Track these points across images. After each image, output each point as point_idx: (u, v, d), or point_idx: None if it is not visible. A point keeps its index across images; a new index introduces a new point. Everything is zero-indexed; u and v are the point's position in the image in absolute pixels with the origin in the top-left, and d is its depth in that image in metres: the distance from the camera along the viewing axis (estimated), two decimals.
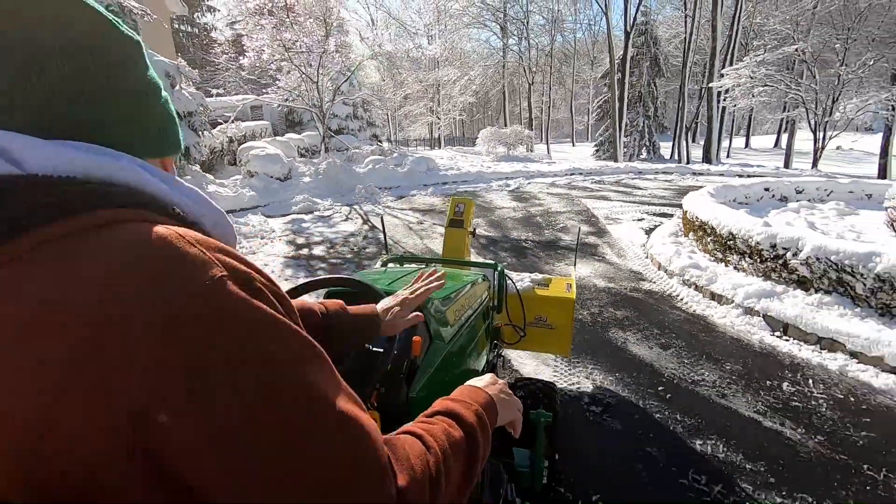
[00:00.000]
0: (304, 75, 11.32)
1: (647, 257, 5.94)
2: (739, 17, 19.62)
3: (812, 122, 14.32)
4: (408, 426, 0.63)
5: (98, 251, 0.43)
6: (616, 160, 20.92)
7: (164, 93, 0.59)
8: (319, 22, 10.98)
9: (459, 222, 3.22)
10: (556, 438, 2.36)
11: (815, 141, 15.03)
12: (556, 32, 32.59)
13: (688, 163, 20.07)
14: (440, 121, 25.66)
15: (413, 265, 2.53)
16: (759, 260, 4.47)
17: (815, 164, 15.60)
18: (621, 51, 21.47)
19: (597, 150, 27.11)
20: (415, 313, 1.12)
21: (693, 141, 28.47)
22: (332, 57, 11.12)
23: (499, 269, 2.44)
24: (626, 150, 25.44)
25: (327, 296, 1.53)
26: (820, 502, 2.29)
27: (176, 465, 0.40)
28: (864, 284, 3.67)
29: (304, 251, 6.59)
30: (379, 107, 19.92)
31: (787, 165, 18.01)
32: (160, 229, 0.46)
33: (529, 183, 11.86)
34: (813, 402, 3.08)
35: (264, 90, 17.98)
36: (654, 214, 8.35)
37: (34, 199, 0.44)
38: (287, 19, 10.98)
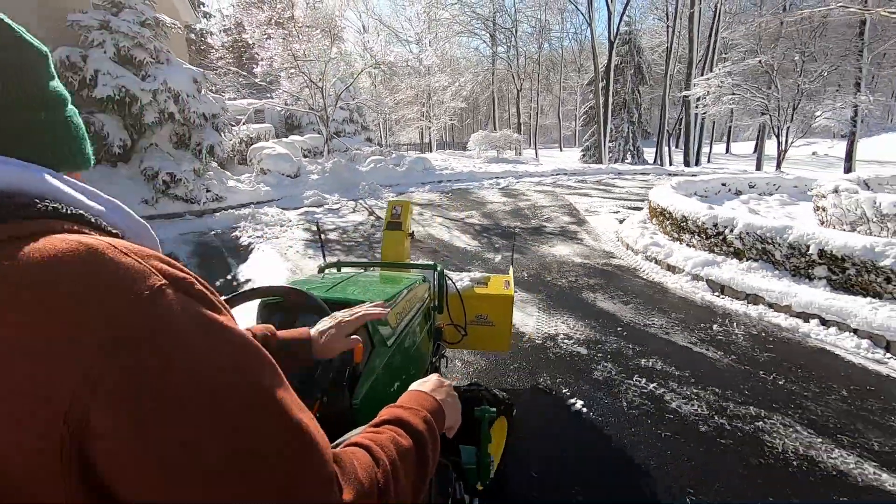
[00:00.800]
0: (309, 82, 12.22)
1: (618, 240, 6.91)
2: (717, 28, 20.93)
3: (776, 128, 15.58)
4: (356, 437, 0.63)
5: (26, 263, 0.41)
6: (601, 164, 22.04)
7: (70, 106, 0.58)
8: (325, 32, 11.90)
9: (398, 224, 3.20)
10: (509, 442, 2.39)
11: (779, 145, 16.31)
12: (543, 41, 33.84)
13: (670, 165, 21.27)
14: (432, 125, 26.69)
15: (351, 270, 2.45)
16: (704, 237, 5.45)
17: (778, 166, 16.84)
18: (606, 59, 22.64)
19: (583, 155, 28.26)
20: (353, 337, 1.10)
21: (676, 146, 29.78)
22: (336, 64, 12.03)
23: (438, 269, 2.45)
24: (611, 154, 26.64)
25: (263, 307, 1.51)
26: (724, 393, 3.23)
27: (112, 476, 0.39)
28: (781, 252, 4.66)
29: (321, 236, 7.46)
30: (373, 110, 20.83)
31: (758, 168, 19.27)
32: (89, 240, 0.44)
33: (518, 182, 12.85)
34: (733, 337, 4.04)
35: (266, 94, 18.77)
36: (629, 208, 9.35)
37: None
38: (295, 31, 11.88)
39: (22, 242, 0.43)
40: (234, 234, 7.57)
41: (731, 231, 5.08)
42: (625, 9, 22.92)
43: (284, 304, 1.50)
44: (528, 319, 4.38)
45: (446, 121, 29.88)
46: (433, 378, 0.84)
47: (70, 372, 0.38)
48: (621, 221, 7.82)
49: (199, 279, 0.49)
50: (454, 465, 1.39)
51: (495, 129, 24.88)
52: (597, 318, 4.39)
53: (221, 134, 9.18)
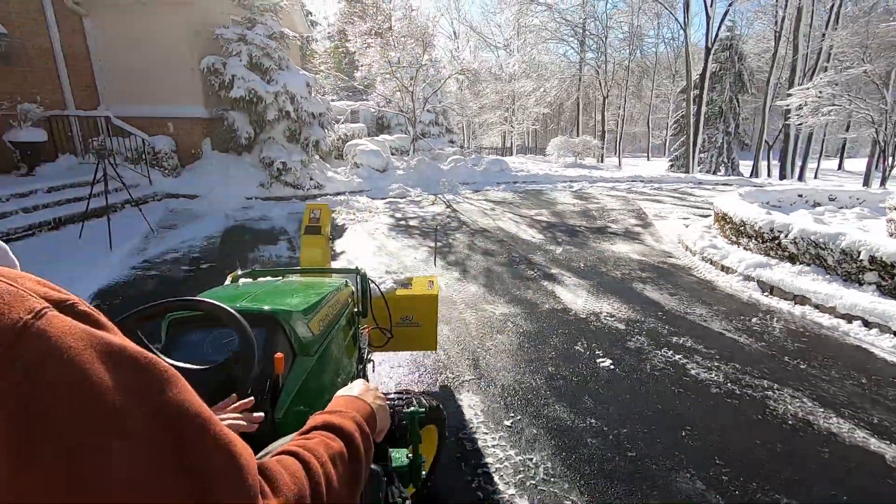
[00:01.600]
0: (401, 86, 13.45)
1: (678, 242, 7.19)
2: (826, 36, 19.52)
3: (882, 142, 14.34)
4: (284, 445, 0.61)
5: None
6: (687, 174, 21.37)
7: None
8: (418, 41, 13.07)
9: (316, 228, 3.13)
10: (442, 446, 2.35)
11: (884, 160, 14.93)
12: (634, 47, 33.11)
13: (768, 177, 20.15)
14: (514, 129, 27.30)
15: (268, 278, 2.35)
16: (760, 241, 5.68)
17: (883, 182, 15.42)
18: (701, 66, 21.91)
19: (671, 165, 27.36)
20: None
21: (777, 160, 27.87)
22: (426, 70, 13.14)
23: (361, 273, 2.41)
24: (701, 165, 25.57)
25: (171, 324, 1.45)
26: (743, 368, 3.65)
27: None
28: (833, 257, 4.84)
29: (403, 222, 8.46)
30: (458, 114, 21.86)
31: (865, 185, 17.73)
32: None
33: (592, 186, 13.15)
34: (769, 329, 4.36)
35: (361, 97, 20.48)
36: (699, 215, 9.43)
37: None
38: (392, 40, 13.17)
39: None
40: (331, 215, 8.82)
41: (786, 236, 5.29)
42: (725, 13, 22.04)
43: (196, 320, 1.44)
44: (577, 300, 4.97)
45: (528, 126, 30.33)
46: (359, 383, 0.83)
47: None
48: (687, 226, 8.03)
49: (80, 299, 0.45)
50: (384, 470, 1.32)
51: (577, 135, 24.96)
52: (641, 303, 4.88)
53: (325, 130, 10.56)
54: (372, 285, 2.51)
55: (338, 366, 1.86)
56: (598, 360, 3.74)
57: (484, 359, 3.74)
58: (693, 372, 3.59)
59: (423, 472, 1.75)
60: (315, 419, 0.69)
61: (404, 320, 2.88)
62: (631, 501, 2.37)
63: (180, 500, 0.40)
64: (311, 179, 9.99)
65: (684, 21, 22.54)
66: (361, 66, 13.67)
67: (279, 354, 1.29)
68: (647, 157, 40.57)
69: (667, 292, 5.22)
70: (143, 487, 0.38)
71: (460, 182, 12.21)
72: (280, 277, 2.44)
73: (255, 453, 0.54)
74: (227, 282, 2.29)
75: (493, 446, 2.76)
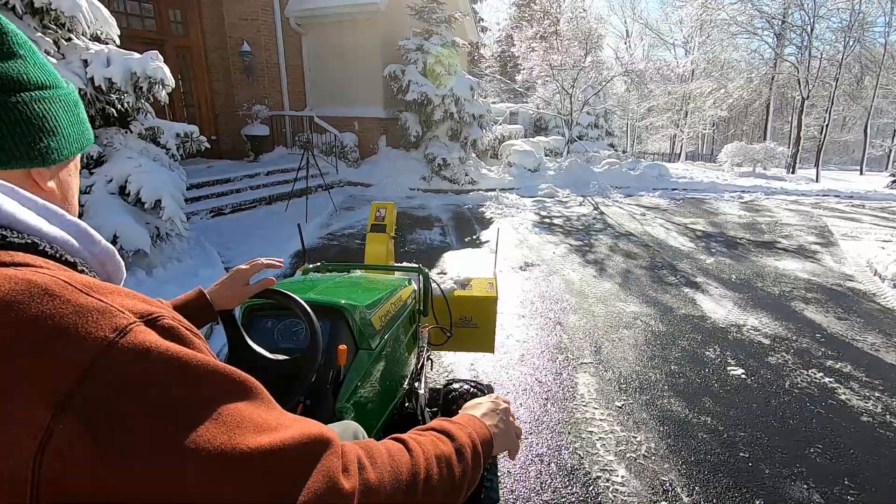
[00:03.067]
0: (560, 88, 13.63)
1: (866, 266, 6.20)
2: None
3: None
4: (397, 434, 0.64)
5: None
6: None
7: (30, 93, 0.51)
8: (582, 43, 13.09)
9: (381, 227, 3.19)
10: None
11: None
12: (853, 38, 27.65)
13: None
14: (683, 134, 25.15)
15: (335, 273, 2.43)
16: None
17: None
18: None
19: (893, 182, 22.36)
20: (267, 278, 1.14)
21: None
22: (587, 73, 13.11)
23: (424, 272, 2.43)
24: None
25: (247, 311, 1.54)
26: None
27: None
28: None
29: (547, 220, 8.76)
30: (620, 117, 21.04)
31: None
32: (39, 278, 0.41)
33: (767, 198, 11.67)
34: None
35: (521, 99, 21.04)
36: None
37: None
38: (556, 44, 13.41)
39: None
40: (481, 209, 9.51)
41: None
42: None
43: (269, 308, 1.53)
44: (719, 309, 4.77)
45: (701, 130, 27.60)
46: (487, 401, 0.81)
47: (24, 438, 0.36)
48: (884, 248, 6.82)
49: (166, 307, 0.48)
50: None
51: (764, 141, 21.91)
52: (797, 323, 4.48)
53: (483, 131, 11.35)
54: (434, 285, 2.54)
55: (397, 361, 1.89)
56: (728, 368, 3.65)
57: (606, 348, 3.93)
58: (843, 397, 3.30)
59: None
60: (435, 423, 0.70)
61: (463, 321, 2.90)
62: (731, 495, 2.43)
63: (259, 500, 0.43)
64: (467, 175, 10.85)
65: None
66: (523, 69, 14.17)
67: (342, 346, 1.34)
68: (860, 170, 33.56)
69: (834, 315, 4.67)
70: (220, 489, 0.41)
71: (612, 185, 11.96)
72: (347, 272, 2.52)
73: None
74: (298, 274, 2.36)
75: (601, 420, 2.99)
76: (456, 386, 2.47)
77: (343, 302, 1.55)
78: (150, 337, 0.42)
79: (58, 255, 0.48)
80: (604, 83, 14.17)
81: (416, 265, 2.56)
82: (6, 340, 0.37)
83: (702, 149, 40.07)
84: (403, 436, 0.64)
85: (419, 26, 11.21)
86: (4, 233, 0.45)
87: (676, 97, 24.09)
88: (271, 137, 10.98)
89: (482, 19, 36.51)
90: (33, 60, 0.53)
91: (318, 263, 2.45)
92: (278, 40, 11.01)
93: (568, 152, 14.55)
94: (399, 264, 2.79)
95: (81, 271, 0.50)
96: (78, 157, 0.61)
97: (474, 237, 7.50)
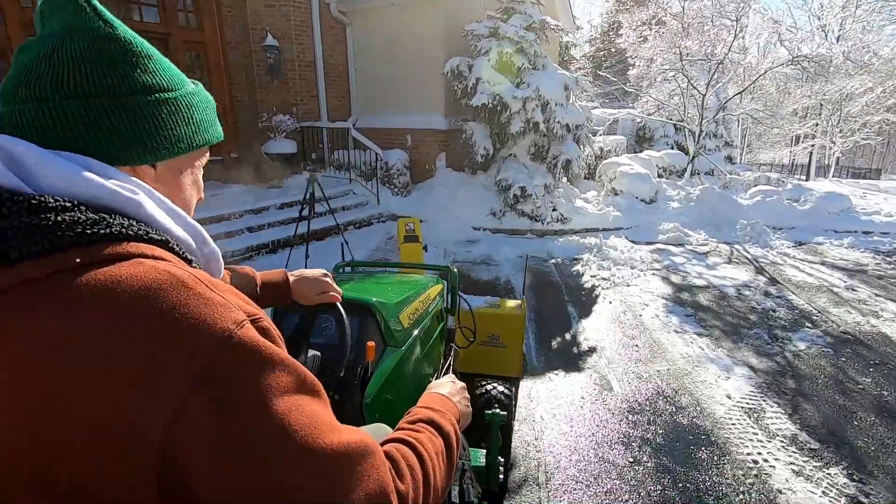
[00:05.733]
0: (688, 86, 9.97)
1: None
2: None
3: None
4: (397, 433, 0.68)
5: (123, 291, 0.43)
6: None
7: (158, 94, 0.57)
8: (729, 26, 9.34)
9: (414, 237, 3.66)
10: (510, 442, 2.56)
11: None
12: None
13: None
14: (835, 146, 19.66)
15: (365, 272, 2.54)
16: None
17: None
18: None
19: None
20: (332, 293, 1.16)
21: None
22: (734, 66, 9.35)
23: (452, 270, 2.45)
24: None
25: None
26: None
27: (199, 494, 0.42)
28: None
29: (686, 295, 5.40)
30: (761, 122, 16.42)
31: None
32: (176, 271, 0.46)
33: None
34: None
35: (622, 103, 17.34)
36: None
37: (45, 224, 0.44)
38: (682, 25, 9.80)
39: (117, 265, 0.45)
40: (575, 267, 6.34)
41: None
42: None
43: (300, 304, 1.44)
44: None
45: (848, 139, 21.78)
46: (448, 381, 0.88)
47: (162, 405, 0.40)
48: None
49: (259, 309, 0.52)
50: (462, 465, 1.42)
51: None
52: None
53: (581, 147, 8.12)
54: (462, 300, 2.50)
55: (424, 359, 1.91)
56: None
57: None
58: None
59: (500, 477, 1.78)
60: (419, 412, 0.75)
61: (491, 339, 2.87)
62: None
63: (335, 488, 0.48)
64: (555, 210, 7.68)
65: None
66: (637, 61, 10.70)
67: (371, 343, 1.35)
68: None
69: None
70: (305, 482, 0.46)
71: (769, 226, 8.20)
72: (377, 270, 2.62)
73: None
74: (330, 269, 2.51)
75: None
76: (482, 384, 2.53)
77: (373, 300, 1.59)
78: (255, 333, 0.48)
79: (181, 253, 0.54)
80: (756, 78, 10.22)
81: (445, 265, 2.72)
82: (155, 320, 0.42)
83: (855, 161, 32.94)
84: (407, 436, 0.66)
85: (494, 6, 8.26)
86: (147, 229, 0.50)
87: (822, 98, 18.82)
88: (300, 155, 8.60)
89: (576, 17, 32.89)
90: (155, 66, 0.58)
91: (350, 260, 2.57)
92: (315, 32, 8.64)
93: (692, 173, 10.83)
94: (427, 264, 2.98)
95: (195, 268, 0.55)
96: (199, 158, 0.66)
97: (568, 337, 4.40)
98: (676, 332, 4.48)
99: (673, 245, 7.47)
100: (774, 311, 5.02)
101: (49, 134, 0.49)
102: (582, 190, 9.72)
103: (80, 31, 0.52)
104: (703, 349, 4.12)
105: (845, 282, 6.00)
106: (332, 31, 8.99)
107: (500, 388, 2.53)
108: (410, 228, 3.77)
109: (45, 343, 0.40)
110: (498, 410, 1.80)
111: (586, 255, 6.68)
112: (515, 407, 2.81)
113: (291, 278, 1.13)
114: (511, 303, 3.12)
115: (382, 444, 0.61)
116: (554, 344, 4.24)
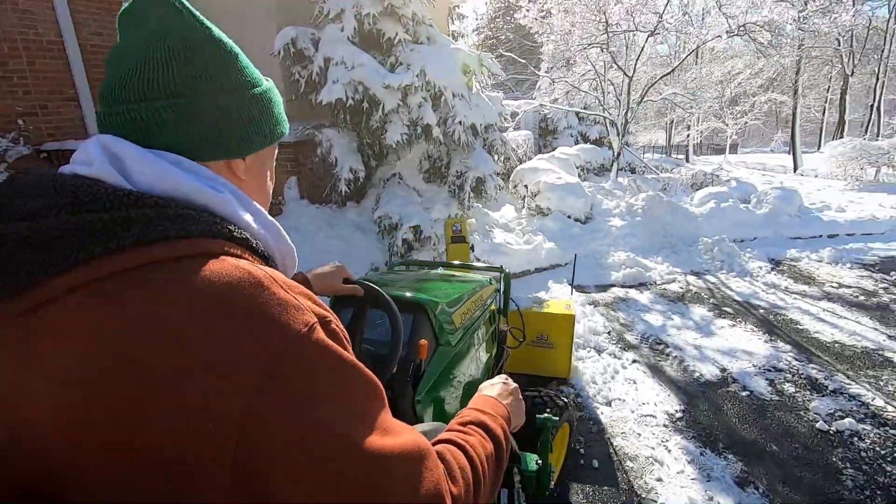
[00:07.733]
0: (614, 65, 8.03)
1: None
2: None
3: None
4: (448, 434, 0.68)
5: (208, 285, 0.44)
6: None
7: (250, 91, 0.59)
8: None
9: (461, 238, 3.70)
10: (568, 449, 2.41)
11: None
12: None
13: None
14: (728, 127, 19.69)
15: (418, 270, 2.50)
16: None
17: None
18: None
19: None
20: (354, 286, 1.19)
21: None
22: (664, 35, 7.52)
23: (504, 272, 2.47)
24: None
25: (336, 300, 1.55)
26: None
27: (271, 484, 0.43)
28: None
29: (705, 414, 3.12)
30: (681, 107, 15.25)
31: None
32: (255, 270, 0.48)
33: None
34: None
35: (520, 94, 15.41)
36: None
37: (141, 218, 0.46)
38: None
39: (201, 261, 0.46)
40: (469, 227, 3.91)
41: None
42: None
43: (355, 300, 1.40)
44: None
45: (737, 120, 22.28)
46: (500, 381, 0.87)
47: (236, 398, 0.41)
48: None
49: (329, 310, 0.52)
50: (512, 471, 1.40)
51: (841, 130, 16.72)
52: None
53: (496, 158, 5.68)
54: (511, 301, 2.51)
55: (475, 359, 1.92)
56: None
57: None
58: None
59: (553, 479, 1.68)
60: (470, 414, 0.74)
61: (539, 339, 2.94)
62: None
63: (385, 486, 0.48)
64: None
65: None
66: (547, 34, 8.56)
67: (423, 341, 1.36)
68: None
69: None
70: (366, 479, 0.47)
71: (732, 239, 6.44)
72: (431, 269, 2.58)
73: None
74: (384, 268, 2.56)
75: None
76: (531, 393, 2.32)
77: (426, 298, 1.60)
78: (324, 336, 0.49)
79: (259, 251, 0.55)
80: (693, 49, 8.51)
81: (498, 266, 2.60)
82: (234, 317, 0.44)
83: (708, 140, 34.74)
84: (458, 438, 0.66)
85: None
86: (230, 227, 0.52)
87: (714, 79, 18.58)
88: None
89: (457, 6, 30.94)
90: (243, 63, 0.60)
91: (406, 260, 2.63)
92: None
93: (618, 171, 9.00)
94: (480, 264, 2.86)
95: (272, 265, 0.57)
96: (275, 150, 0.69)
97: None
98: (701, 486, 2.15)
99: (633, 287, 5.34)
100: (858, 436, 2.93)
101: (146, 133, 0.52)
102: (493, 208, 7.35)
103: (176, 32, 0.54)
104: None
105: (879, 329, 4.20)
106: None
107: (553, 393, 2.32)
108: (457, 229, 3.71)
109: (136, 324, 0.41)
110: (550, 415, 1.74)
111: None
112: (571, 411, 2.36)
113: (309, 275, 1.14)
114: (559, 302, 3.17)
115: (433, 445, 0.61)
116: None
